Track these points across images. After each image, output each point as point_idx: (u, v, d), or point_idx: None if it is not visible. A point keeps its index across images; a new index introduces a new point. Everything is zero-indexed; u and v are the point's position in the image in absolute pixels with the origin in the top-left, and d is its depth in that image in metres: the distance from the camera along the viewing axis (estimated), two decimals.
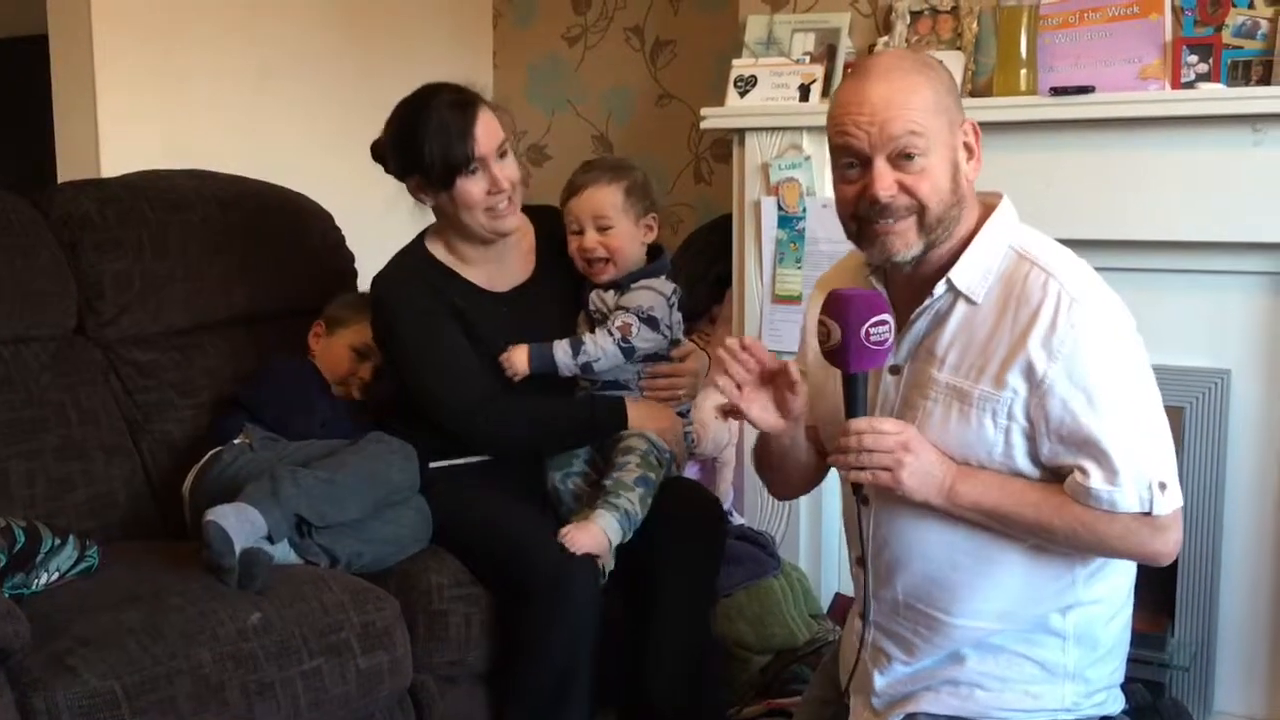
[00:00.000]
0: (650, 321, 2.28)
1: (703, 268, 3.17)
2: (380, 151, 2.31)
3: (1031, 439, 1.59)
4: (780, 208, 2.76)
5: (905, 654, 1.73)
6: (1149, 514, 1.56)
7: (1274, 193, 2.29)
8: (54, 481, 2.24)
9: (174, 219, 2.54)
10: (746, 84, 2.79)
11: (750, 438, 2.85)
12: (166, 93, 2.91)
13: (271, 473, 2.08)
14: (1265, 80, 2.33)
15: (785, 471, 1.86)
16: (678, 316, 2.37)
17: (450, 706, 2.19)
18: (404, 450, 2.21)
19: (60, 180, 2.80)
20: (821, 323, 1.59)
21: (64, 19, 2.83)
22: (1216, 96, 2.31)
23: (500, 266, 2.36)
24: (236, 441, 2.27)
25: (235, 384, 2.50)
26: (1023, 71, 2.48)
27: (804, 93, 2.72)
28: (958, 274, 1.62)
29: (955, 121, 1.62)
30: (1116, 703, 1.75)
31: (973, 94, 2.59)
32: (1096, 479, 1.55)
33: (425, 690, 2.17)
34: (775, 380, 1.69)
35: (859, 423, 1.60)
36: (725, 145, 3.09)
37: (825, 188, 2.71)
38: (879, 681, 1.75)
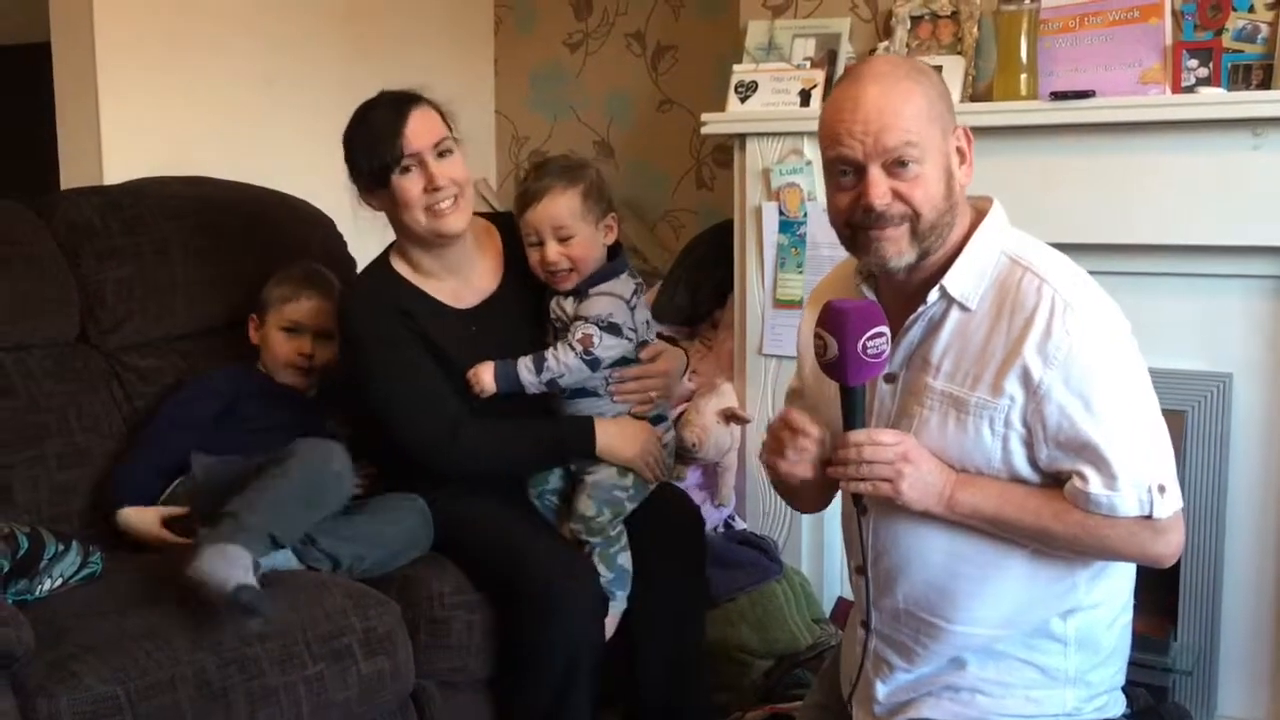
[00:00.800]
0: (611, 329, 2.21)
1: (704, 273, 3.17)
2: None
3: (1029, 445, 1.59)
4: (781, 213, 2.76)
5: (907, 661, 1.72)
6: (1149, 517, 1.56)
7: (1275, 197, 2.29)
8: (57, 488, 2.24)
9: (175, 226, 2.55)
10: (747, 89, 2.79)
11: (752, 442, 2.86)
12: (168, 100, 2.91)
13: (228, 510, 1.99)
14: (1265, 84, 2.33)
15: (806, 496, 1.85)
16: (643, 316, 2.31)
17: (452, 712, 2.20)
18: (327, 448, 2.13)
19: (62, 187, 2.80)
20: (818, 336, 1.59)
21: (67, 26, 2.83)
22: (1217, 101, 2.31)
23: (464, 280, 2.31)
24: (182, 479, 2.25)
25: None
26: (1023, 76, 2.48)
27: (805, 98, 2.72)
28: (951, 281, 1.61)
29: (948, 128, 1.62)
30: (1117, 705, 1.75)
31: (973, 99, 2.59)
32: (1095, 484, 1.55)
33: (427, 695, 2.17)
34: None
35: (858, 434, 1.60)
36: (726, 150, 3.09)
37: None
38: (880, 690, 1.75)
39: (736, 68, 2.83)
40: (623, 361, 2.28)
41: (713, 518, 2.79)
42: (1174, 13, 2.41)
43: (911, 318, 1.64)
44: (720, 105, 2.83)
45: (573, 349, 2.19)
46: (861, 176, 1.59)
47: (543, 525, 2.28)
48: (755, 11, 2.91)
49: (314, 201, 2.88)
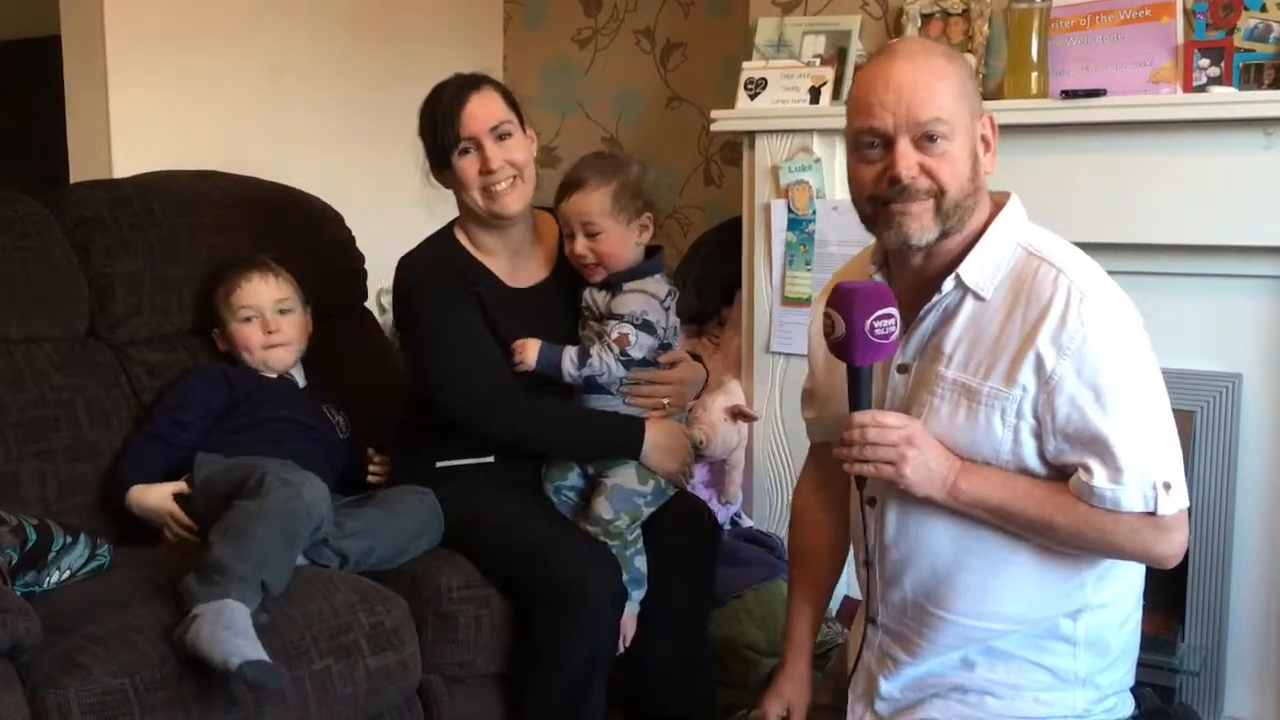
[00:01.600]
0: (646, 327, 2.24)
1: (712, 270, 3.17)
2: None
3: (1039, 437, 1.59)
4: (790, 210, 2.76)
5: (912, 656, 1.72)
6: (1153, 514, 1.56)
7: None
8: (65, 481, 2.24)
9: (185, 220, 2.55)
10: (757, 86, 2.79)
11: (759, 440, 2.86)
12: (178, 94, 2.92)
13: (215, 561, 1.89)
14: (1277, 84, 2.33)
15: None
16: (674, 321, 2.32)
17: (458, 707, 2.19)
18: (297, 479, 2.05)
19: (72, 181, 2.80)
20: (826, 315, 1.59)
21: (76, 20, 2.83)
22: (1228, 100, 2.31)
23: (519, 262, 2.37)
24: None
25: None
26: (1034, 74, 2.48)
27: (814, 95, 2.72)
28: (967, 270, 1.61)
29: (976, 112, 1.63)
30: (1125, 706, 1.75)
31: (984, 97, 2.57)
32: (1100, 477, 1.55)
33: (434, 690, 2.17)
34: None
35: (862, 416, 1.60)
36: (735, 148, 3.09)
37: (835, 190, 2.71)
38: (885, 686, 1.75)
39: (746, 65, 2.83)
40: (641, 363, 2.28)
41: (719, 515, 2.79)
42: (1185, 12, 2.41)
43: (926, 307, 1.64)
44: (729, 102, 2.83)
45: (611, 350, 2.22)
46: (889, 149, 1.58)
47: (562, 522, 2.27)
48: (765, 8, 2.91)
49: (322, 195, 2.88)
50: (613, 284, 2.27)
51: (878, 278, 1.69)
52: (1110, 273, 1.64)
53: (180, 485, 2.22)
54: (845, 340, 1.57)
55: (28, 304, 2.31)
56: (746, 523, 2.85)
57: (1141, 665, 1.79)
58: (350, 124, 3.29)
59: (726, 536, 2.71)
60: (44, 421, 2.26)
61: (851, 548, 1.87)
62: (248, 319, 2.41)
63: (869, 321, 1.55)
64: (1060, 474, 1.60)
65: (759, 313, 2.84)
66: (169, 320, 2.52)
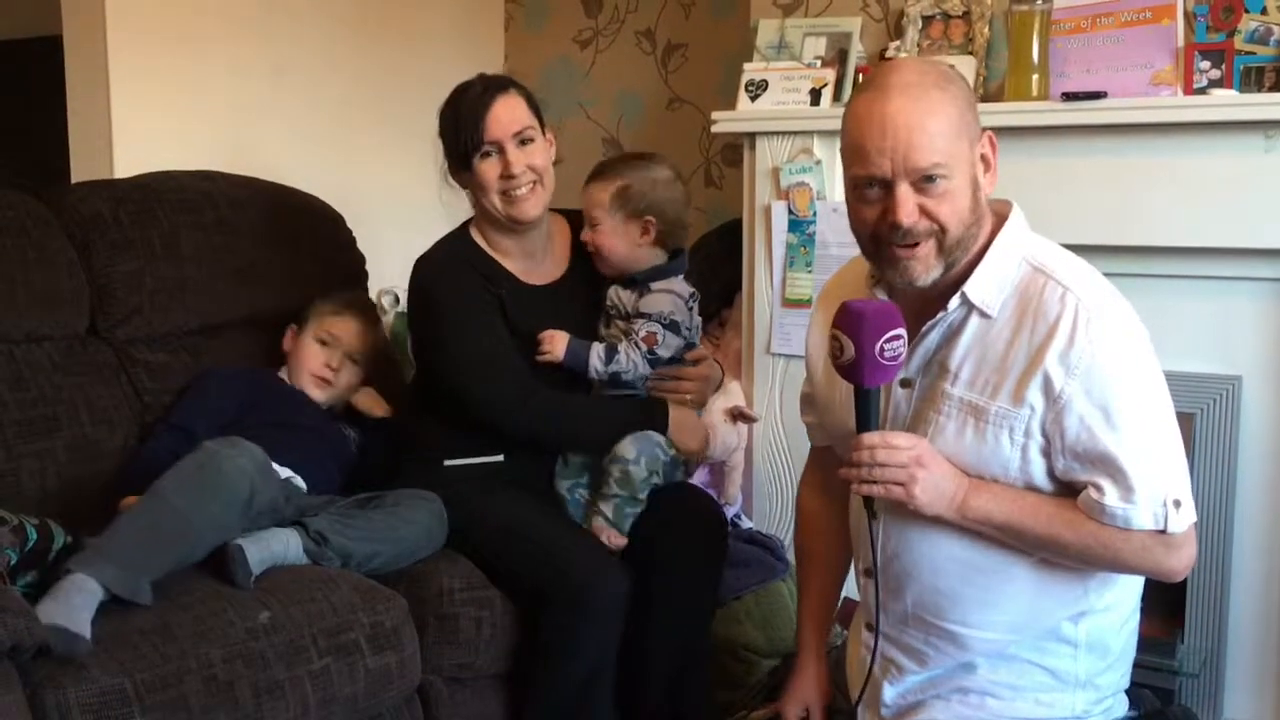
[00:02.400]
0: (673, 327, 2.33)
1: (712, 271, 3.17)
2: None
3: (1048, 455, 1.58)
4: (791, 212, 2.76)
5: (917, 664, 1.72)
6: (1163, 531, 1.55)
7: None
8: (66, 480, 2.25)
9: (186, 220, 2.55)
10: (757, 88, 2.79)
11: (759, 441, 2.86)
12: (179, 93, 2.92)
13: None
14: (1278, 87, 2.33)
15: None
16: (697, 320, 2.41)
17: (458, 707, 2.20)
18: (239, 446, 2.05)
19: (73, 180, 2.81)
20: (834, 337, 1.57)
21: (78, 20, 2.83)
22: (1229, 102, 2.31)
23: (534, 262, 2.39)
24: None
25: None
26: (1034, 77, 2.47)
27: (815, 97, 2.72)
28: (972, 288, 1.59)
29: (975, 138, 1.59)
30: (1121, 707, 1.75)
31: (984, 99, 2.58)
32: (1112, 496, 1.54)
33: (434, 691, 2.17)
34: None
35: (871, 437, 1.59)
36: (736, 149, 3.09)
37: (836, 192, 2.71)
38: (888, 692, 1.75)
39: (747, 66, 2.83)
40: (667, 361, 2.36)
41: None
42: (1186, 14, 2.40)
43: (930, 323, 1.62)
44: (730, 104, 2.83)
45: (638, 348, 2.29)
46: (888, 191, 1.55)
47: (569, 523, 2.28)
48: (766, 10, 2.91)
49: (323, 196, 2.88)
50: (640, 283, 2.34)
51: (880, 295, 1.67)
52: (1110, 275, 1.64)
53: None
54: (855, 363, 1.55)
55: (29, 303, 2.31)
56: (746, 524, 2.84)
57: (1141, 667, 1.79)
58: (351, 124, 3.29)
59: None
60: (45, 421, 2.26)
61: (854, 556, 1.87)
62: (324, 343, 2.50)
63: (879, 344, 1.53)
64: (1068, 490, 1.59)
65: (759, 314, 2.84)
66: (169, 320, 2.52)
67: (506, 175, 2.25)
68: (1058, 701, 1.68)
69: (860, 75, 2.69)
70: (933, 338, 1.64)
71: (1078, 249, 1.67)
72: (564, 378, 2.32)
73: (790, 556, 2.73)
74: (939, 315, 1.61)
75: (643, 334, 2.30)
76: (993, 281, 1.60)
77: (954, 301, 1.60)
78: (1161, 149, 2.38)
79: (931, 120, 1.53)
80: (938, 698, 1.71)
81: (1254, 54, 2.36)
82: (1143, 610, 1.77)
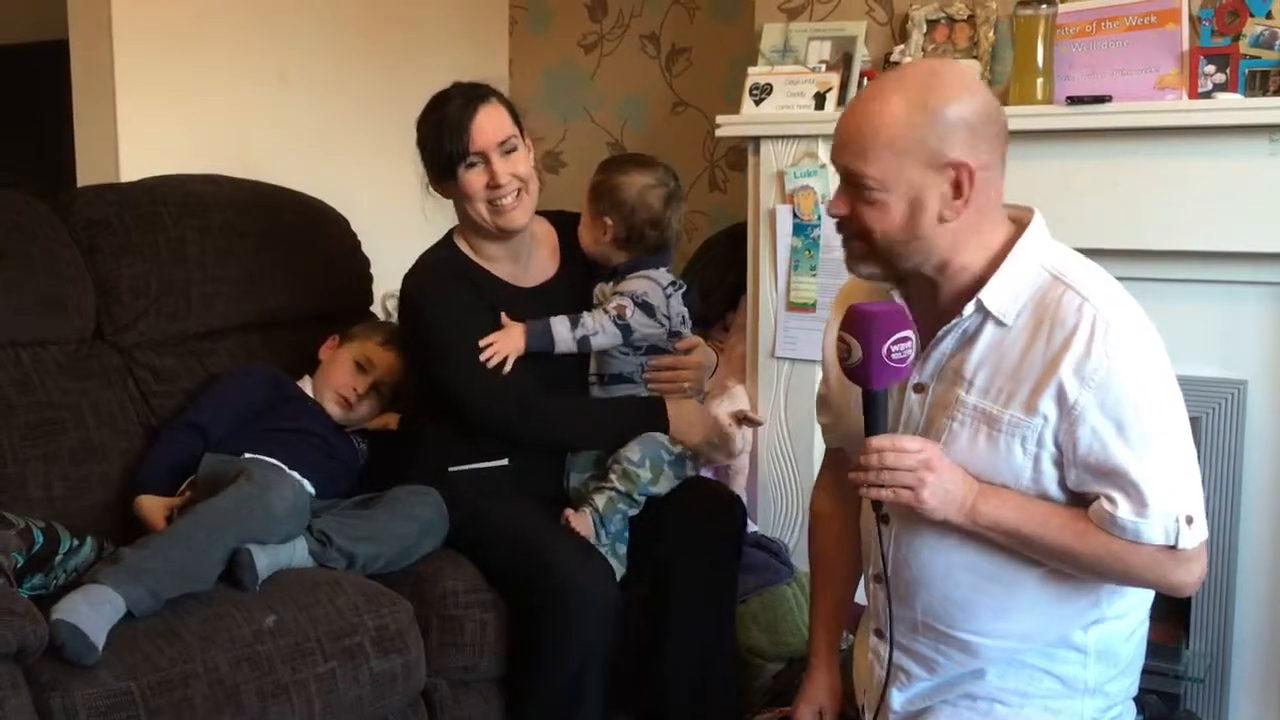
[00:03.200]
0: (645, 307, 2.33)
1: (717, 275, 3.17)
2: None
3: (1060, 465, 1.57)
4: (795, 215, 2.76)
5: (927, 671, 1.71)
6: (1174, 547, 1.54)
7: None
8: (72, 484, 2.25)
9: (192, 224, 2.55)
10: (762, 92, 2.79)
11: (763, 445, 2.86)
12: (185, 97, 2.92)
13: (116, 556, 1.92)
14: None
15: None
16: (679, 309, 2.41)
17: (463, 710, 2.20)
18: (286, 481, 2.11)
19: (79, 184, 2.81)
20: (841, 339, 1.57)
21: (84, 24, 2.84)
22: (1233, 106, 2.31)
23: (522, 266, 2.40)
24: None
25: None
26: (1039, 80, 2.48)
27: (819, 101, 2.72)
28: (988, 295, 1.58)
29: (937, 162, 1.53)
30: (1129, 713, 1.75)
31: None
32: (1124, 509, 1.53)
33: (438, 694, 2.17)
34: None
35: (880, 440, 1.58)
36: (740, 153, 3.09)
37: None
38: (896, 699, 1.74)
39: (751, 70, 2.83)
40: (657, 351, 2.38)
41: None
42: (1191, 18, 2.41)
43: (944, 329, 1.62)
44: (734, 108, 2.83)
45: (607, 313, 2.32)
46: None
47: (560, 523, 2.28)
48: (770, 14, 2.91)
49: (328, 199, 2.89)
50: (620, 273, 2.39)
51: (895, 295, 1.67)
52: (1116, 279, 1.64)
53: (178, 500, 2.23)
54: (862, 365, 1.55)
55: (34, 307, 2.31)
56: (751, 528, 2.84)
57: (1146, 673, 1.79)
58: (356, 128, 3.29)
59: None
60: (51, 424, 2.26)
61: (864, 562, 1.86)
62: (360, 367, 2.52)
63: (886, 346, 1.53)
64: (1080, 500, 1.58)
65: (764, 318, 2.84)
66: (175, 324, 2.52)
67: (493, 185, 2.26)
68: (1066, 708, 1.67)
69: (865, 79, 2.69)
70: (947, 343, 1.63)
71: (1082, 253, 1.66)
72: (562, 375, 2.33)
73: (795, 560, 2.73)
74: (954, 320, 1.61)
75: (613, 304, 2.33)
76: (1009, 289, 1.58)
77: (969, 308, 1.59)
78: (1166, 153, 2.38)
79: (876, 132, 1.54)
80: (945, 703, 1.70)
81: (1259, 58, 2.36)
82: (1149, 616, 1.76)
